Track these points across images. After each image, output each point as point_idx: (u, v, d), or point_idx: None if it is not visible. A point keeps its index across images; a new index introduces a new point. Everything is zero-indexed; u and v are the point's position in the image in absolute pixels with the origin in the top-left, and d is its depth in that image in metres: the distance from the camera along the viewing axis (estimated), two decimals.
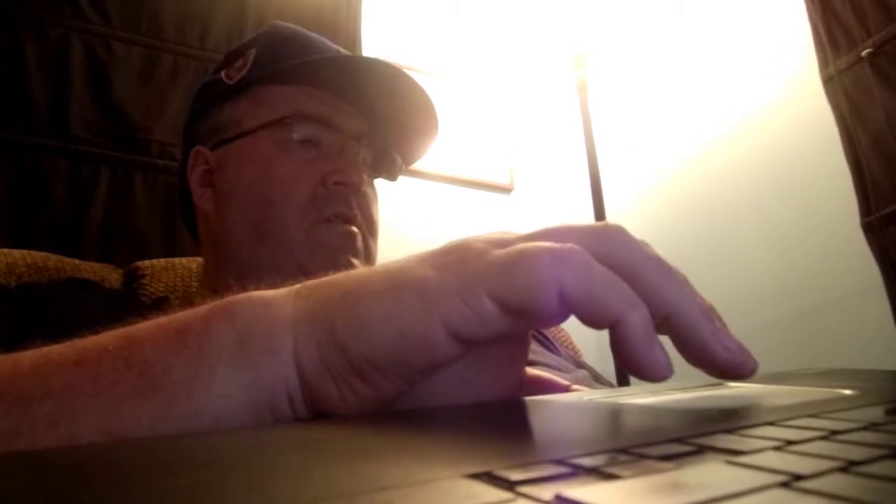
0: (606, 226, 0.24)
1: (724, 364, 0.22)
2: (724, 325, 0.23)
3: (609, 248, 0.23)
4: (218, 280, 0.60)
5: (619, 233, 0.23)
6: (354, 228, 0.58)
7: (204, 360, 0.22)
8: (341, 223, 0.57)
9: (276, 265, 0.55)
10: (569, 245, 0.21)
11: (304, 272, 0.54)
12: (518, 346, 0.26)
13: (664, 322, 0.22)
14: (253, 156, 0.59)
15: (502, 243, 0.23)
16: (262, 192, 0.57)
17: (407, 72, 0.61)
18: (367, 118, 0.63)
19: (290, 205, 0.56)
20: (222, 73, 0.63)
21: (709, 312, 0.23)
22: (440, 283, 0.22)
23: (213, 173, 0.62)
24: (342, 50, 0.65)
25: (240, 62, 0.63)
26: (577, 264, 0.21)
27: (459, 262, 0.22)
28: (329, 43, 0.65)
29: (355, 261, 0.57)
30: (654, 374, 0.21)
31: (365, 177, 0.60)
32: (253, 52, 0.62)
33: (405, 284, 0.22)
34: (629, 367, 0.21)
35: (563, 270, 0.21)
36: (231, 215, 0.59)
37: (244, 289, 0.25)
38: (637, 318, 0.21)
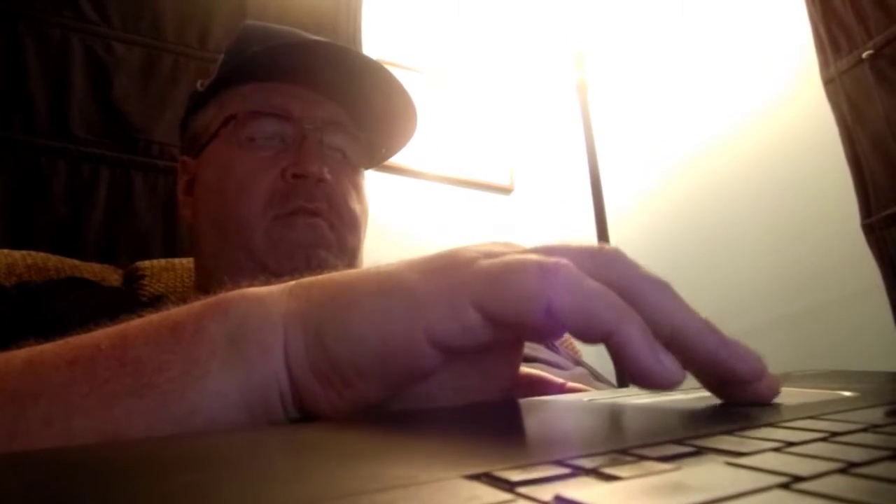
0: (603, 248, 0.23)
1: (745, 375, 0.21)
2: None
3: (605, 268, 0.22)
4: (200, 283, 0.61)
5: (615, 254, 0.23)
6: (318, 220, 0.56)
7: (197, 358, 0.22)
8: (302, 216, 0.55)
9: (239, 266, 0.55)
10: (557, 259, 0.21)
11: (267, 271, 0.54)
12: (510, 354, 0.26)
13: (670, 342, 0.21)
14: (215, 159, 0.59)
15: (493, 254, 0.22)
16: (222, 194, 0.57)
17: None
18: (339, 105, 0.61)
19: (248, 204, 0.55)
20: (198, 83, 0.64)
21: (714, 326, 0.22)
22: (426, 288, 0.21)
23: (193, 182, 0.62)
24: (313, 39, 0.63)
25: (212, 69, 0.63)
26: (566, 278, 0.20)
27: (447, 268, 0.22)
28: (301, 34, 0.64)
29: (324, 252, 0.55)
30: (664, 380, 0.20)
31: (326, 168, 0.56)
32: (222, 56, 0.63)
33: (392, 289, 0.22)
34: (637, 379, 0.20)
35: (551, 284, 0.20)
36: (202, 220, 0.60)
37: (238, 286, 0.25)
38: (632, 328, 0.20)
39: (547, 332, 0.22)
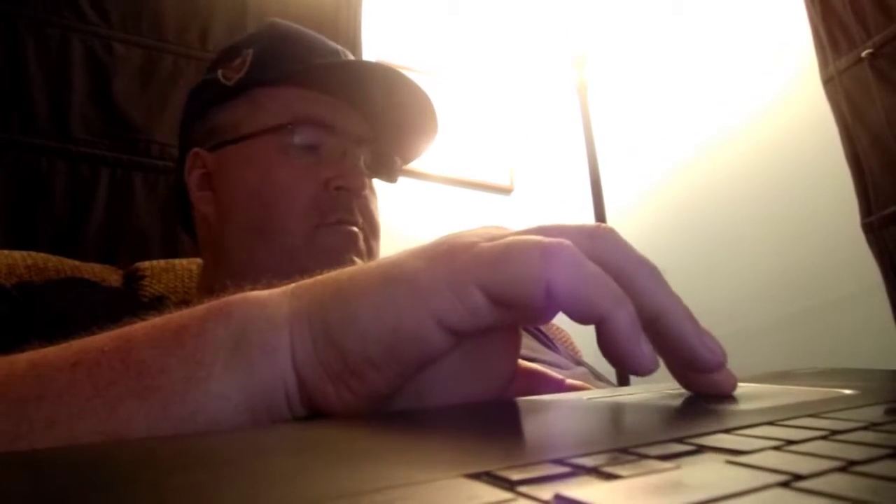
0: (599, 227, 0.24)
1: (708, 363, 0.22)
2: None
3: (600, 249, 0.23)
4: (216, 282, 0.60)
5: (610, 235, 0.23)
6: (356, 229, 0.58)
7: (201, 361, 0.22)
8: (343, 226, 0.57)
9: (278, 268, 0.55)
10: (558, 240, 0.22)
11: (306, 275, 0.54)
12: (510, 339, 0.26)
13: (651, 324, 0.23)
14: (254, 160, 0.59)
15: (492, 237, 0.23)
16: (263, 197, 0.57)
17: (407, 73, 0.61)
18: (367, 120, 0.63)
19: (291, 209, 0.56)
20: (219, 73, 0.62)
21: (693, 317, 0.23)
22: (430, 274, 0.22)
23: (211, 176, 0.61)
24: (339, 48, 0.65)
25: (237, 62, 0.62)
26: (566, 260, 0.21)
27: (449, 253, 0.22)
28: (328, 41, 0.65)
29: (358, 260, 0.57)
30: (641, 366, 0.21)
31: (366, 180, 0.60)
32: (251, 51, 0.61)
33: (396, 278, 0.22)
34: (615, 361, 0.21)
35: (552, 265, 0.21)
36: (232, 219, 0.59)
37: (240, 289, 0.25)
38: (623, 316, 0.21)
39: (545, 313, 0.22)
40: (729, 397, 0.24)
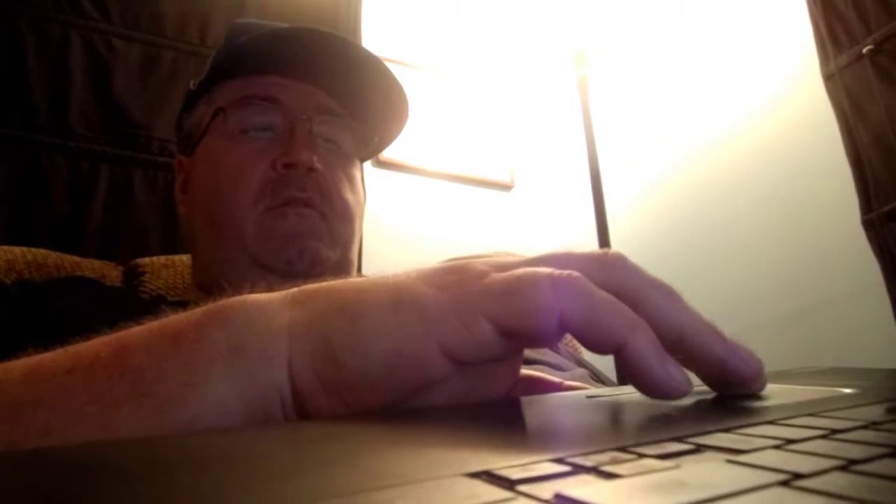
0: (608, 254, 0.23)
1: (746, 378, 0.22)
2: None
3: (611, 275, 0.22)
4: (200, 279, 0.61)
5: (620, 260, 0.23)
6: (310, 210, 0.55)
7: (197, 367, 0.22)
8: (293, 207, 0.55)
9: (232, 259, 0.55)
10: (569, 271, 0.21)
11: (259, 264, 0.54)
12: (512, 362, 0.26)
13: (676, 347, 0.22)
14: (207, 154, 0.59)
15: (503, 267, 0.23)
16: (214, 188, 0.57)
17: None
18: (331, 95, 0.61)
19: (239, 197, 0.55)
20: (191, 82, 0.64)
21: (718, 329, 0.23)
22: (439, 303, 0.22)
23: (188, 180, 0.63)
24: (306, 28, 0.62)
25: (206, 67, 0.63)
26: (577, 290, 0.21)
27: (459, 282, 0.22)
28: (283, 26, 0.62)
29: (315, 243, 0.55)
30: (673, 391, 0.20)
31: (316, 157, 0.56)
32: (213, 54, 0.63)
33: (404, 301, 0.22)
34: (646, 389, 0.21)
35: (563, 297, 0.21)
36: (196, 216, 0.60)
37: (238, 292, 0.25)
38: (643, 340, 0.20)
39: (553, 341, 0.22)
40: (729, 397, 0.24)
